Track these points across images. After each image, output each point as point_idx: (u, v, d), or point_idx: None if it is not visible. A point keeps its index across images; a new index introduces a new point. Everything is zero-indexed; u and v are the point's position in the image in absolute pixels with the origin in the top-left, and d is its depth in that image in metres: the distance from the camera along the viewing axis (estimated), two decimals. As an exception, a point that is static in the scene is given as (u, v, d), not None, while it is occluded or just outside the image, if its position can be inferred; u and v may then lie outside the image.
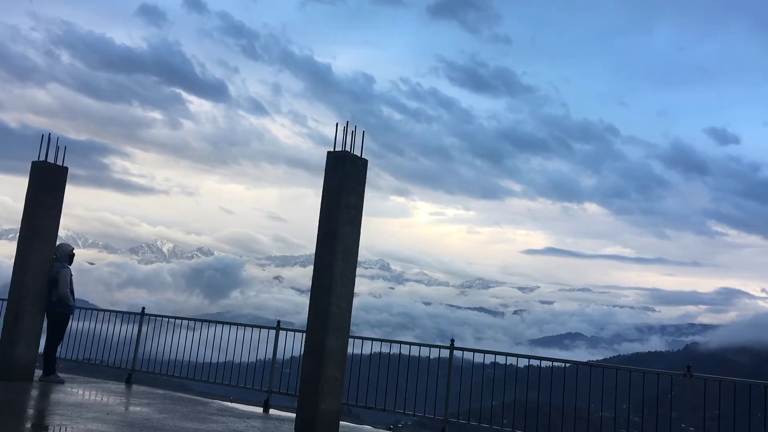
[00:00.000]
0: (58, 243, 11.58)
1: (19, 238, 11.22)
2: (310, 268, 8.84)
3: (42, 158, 11.25)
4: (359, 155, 8.97)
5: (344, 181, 8.74)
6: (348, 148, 8.85)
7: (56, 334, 11.47)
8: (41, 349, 11.51)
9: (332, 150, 8.85)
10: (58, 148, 11.29)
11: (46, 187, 11.28)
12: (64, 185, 11.49)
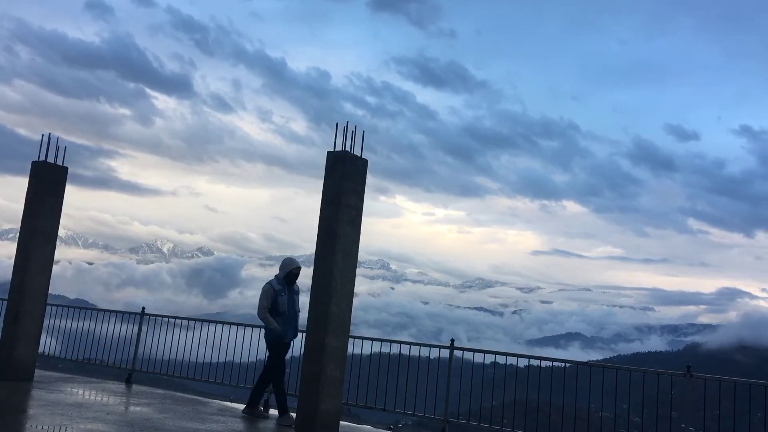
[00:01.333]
0: (284, 258, 9.90)
1: (19, 238, 11.23)
2: (311, 268, 8.82)
3: (42, 158, 11.25)
4: (359, 155, 8.96)
5: (344, 182, 8.73)
6: (342, 148, 8.79)
7: (268, 364, 9.50)
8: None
9: (332, 150, 8.82)
10: (57, 147, 11.31)
11: (46, 187, 11.28)
12: (64, 185, 11.49)
